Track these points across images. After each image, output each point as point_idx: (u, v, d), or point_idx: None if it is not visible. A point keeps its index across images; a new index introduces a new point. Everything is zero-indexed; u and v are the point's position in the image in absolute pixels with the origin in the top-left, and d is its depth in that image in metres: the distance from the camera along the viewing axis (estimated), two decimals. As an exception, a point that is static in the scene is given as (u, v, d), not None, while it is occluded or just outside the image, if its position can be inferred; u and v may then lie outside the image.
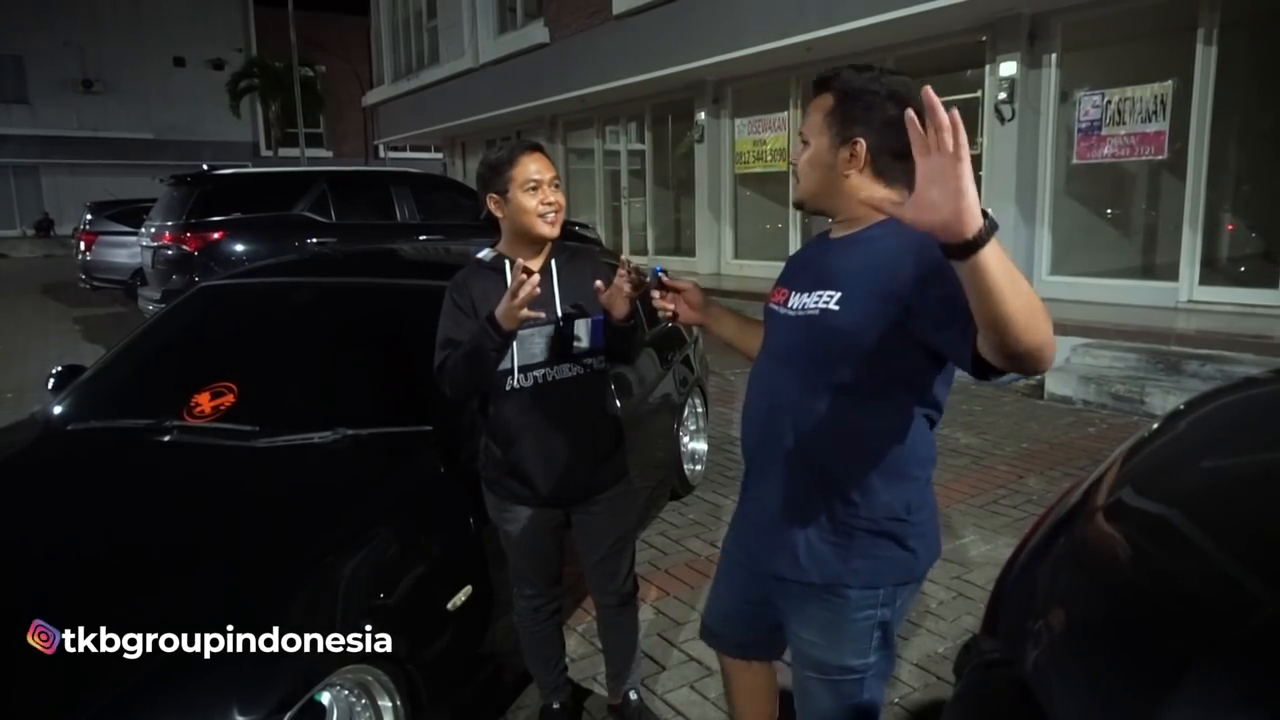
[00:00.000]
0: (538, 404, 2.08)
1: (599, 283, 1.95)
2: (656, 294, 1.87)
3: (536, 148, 2.09)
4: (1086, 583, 0.93)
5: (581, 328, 2.10)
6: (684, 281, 1.88)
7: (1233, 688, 0.69)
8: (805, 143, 1.56)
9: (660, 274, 1.89)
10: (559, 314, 2.08)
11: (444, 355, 2.06)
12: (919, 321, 1.37)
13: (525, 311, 1.86)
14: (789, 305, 1.58)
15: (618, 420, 2.29)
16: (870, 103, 1.47)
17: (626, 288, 1.92)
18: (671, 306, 1.85)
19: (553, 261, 2.13)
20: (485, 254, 2.16)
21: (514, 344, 2.02)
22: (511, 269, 2.05)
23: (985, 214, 1.09)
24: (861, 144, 1.48)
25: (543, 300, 2.06)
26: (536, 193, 2.02)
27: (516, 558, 2.23)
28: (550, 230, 2.06)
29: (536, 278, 1.86)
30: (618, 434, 2.27)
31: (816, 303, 1.50)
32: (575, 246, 2.26)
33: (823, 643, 1.58)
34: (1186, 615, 0.79)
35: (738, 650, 1.90)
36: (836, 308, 1.47)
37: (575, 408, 2.12)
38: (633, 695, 2.44)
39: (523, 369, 2.07)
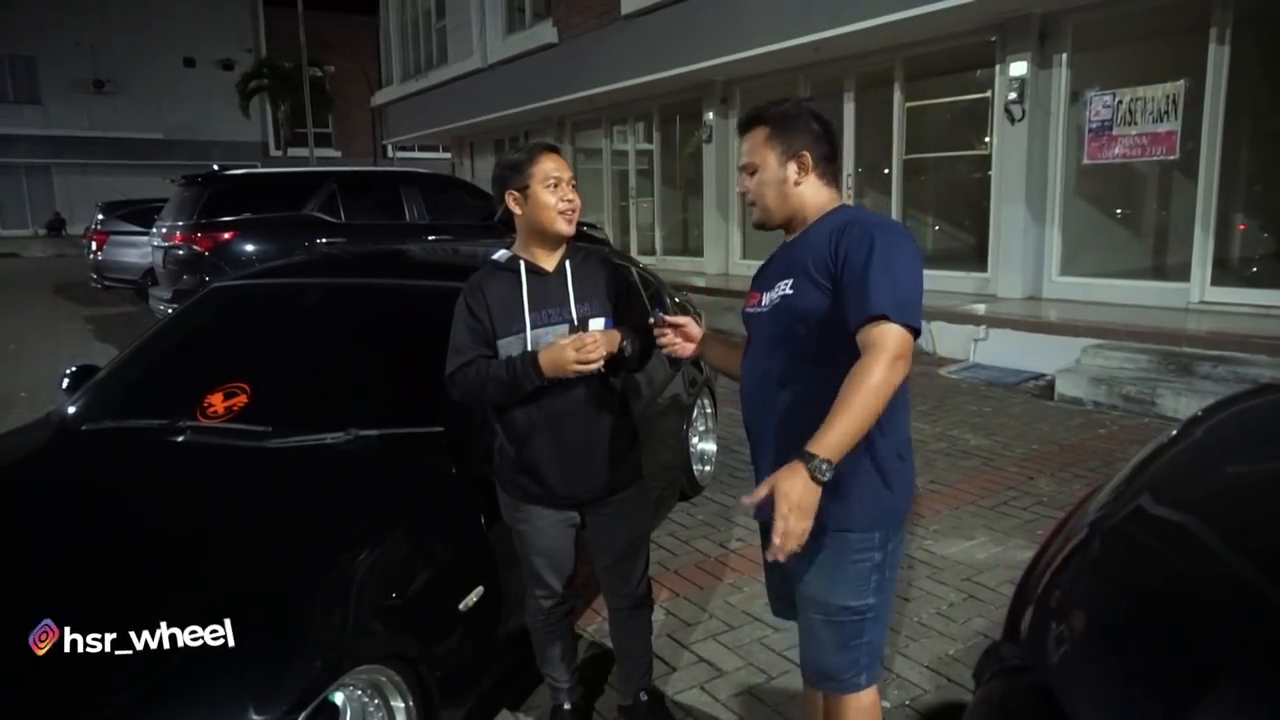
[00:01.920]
0: (551, 403, 2.09)
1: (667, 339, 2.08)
2: (660, 332, 2.05)
3: (554, 148, 2.15)
4: (1110, 589, 0.93)
5: (595, 329, 2.11)
6: (683, 317, 2.09)
7: (1264, 696, 0.68)
8: (751, 171, 1.80)
9: (660, 315, 2.07)
10: (573, 314, 2.10)
11: (458, 363, 2.09)
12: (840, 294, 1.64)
13: (576, 367, 1.98)
14: (761, 304, 1.82)
15: (632, 422, 2.30)
16: (801, 122, 1.77)
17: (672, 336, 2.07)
18: (678, 341, 2.05)
19: (567, 262, 2.15)
20: (500, 255, 2.18)
21: (528, 343, 2.06)
22: (526, 269, 2.10)
23: (812, 457, 1.49)
24: (807, 154, 1.75)
25: (556, 300, 2.10)
26: (556, 190, 2.07)
27: (530, 558, 2.24)
28: (567, 228, 2.10)
29: (600, 340, 2.00)
30: (632, 435, 2.27)
31: (778, 293, 1.75)
32: (588, 247, 2.28)
33: (825, 583, 1.75)
34: (1213, 622, 0.79)
35: None
36: (791, 291, 1.72)
37: (588, 407, 2.13)
38: (644, 696, 2.44)
39: None
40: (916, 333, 1.57)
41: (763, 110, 1.80)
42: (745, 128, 1.83)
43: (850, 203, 1.86)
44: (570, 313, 2.10)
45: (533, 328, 2.07)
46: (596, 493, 2.18)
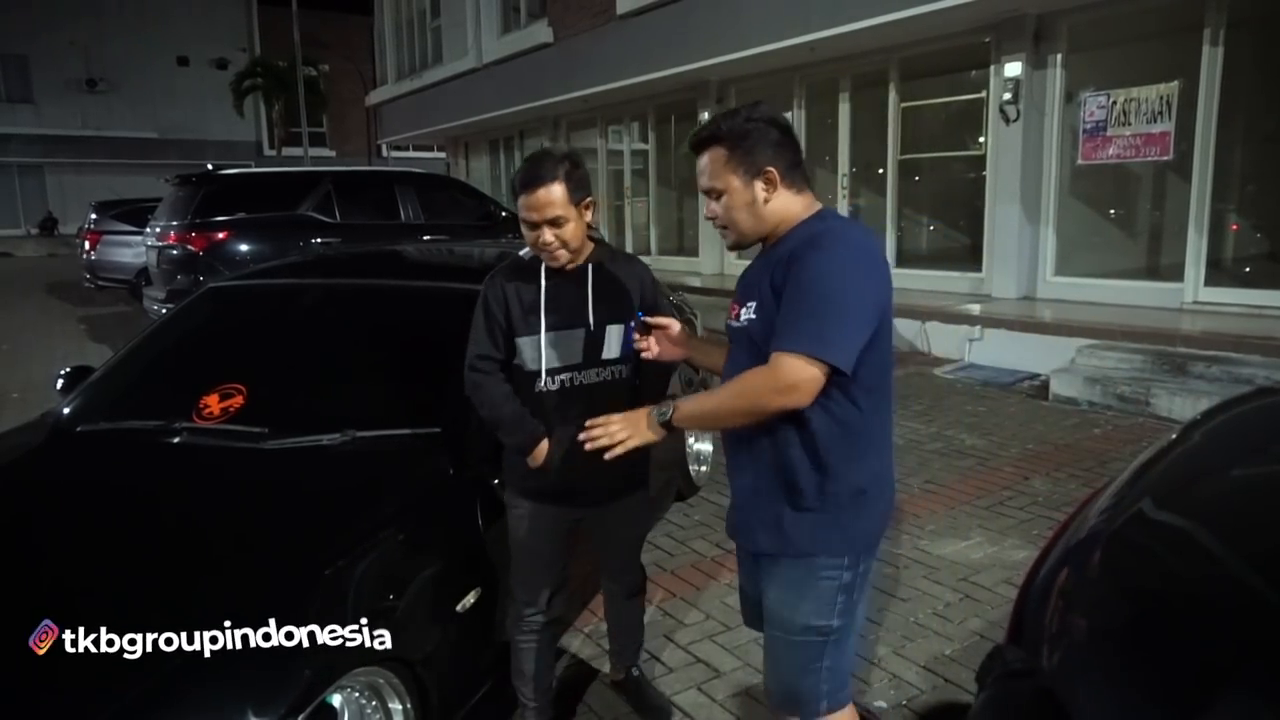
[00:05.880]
0: (562, 406, 2.09)
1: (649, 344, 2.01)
2: (637, 336, 1.97)
3: (537, 183, 1.98)
4: (1114, 594, 0.93)
5: (612, 334, 2.11)
6: (665, 319, 2.00)
7: (1272, 701, 0.69)
8: (715, 195, 1.68)
9: (641, 317, 2.00)
10: (590, 319, 2.09)
11: (474, 353, 2.12)
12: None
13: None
14: (738, 319, 1.75)
15: None
16: (760, 135, 1.65)
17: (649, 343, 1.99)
18: (655, 347, 1.96)
19: (589, 267, 2.13)
20: (526, 251, 2.16)
21: (542, 345, 2.06)
22: (546, 270, 2.09)
23: (662, 411, 1.64)
24: (774, 170, 1.64)
25: (574, 305, 2.08)
26: (533, 231, 2.03)
27: (519, 556, 2.22)
28: (554, 263, 2.08)
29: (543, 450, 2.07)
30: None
31: (744, 314, 1.70)
32: (619, 252, 2.27)
33: (789, 600, 1.72)
34: (1219, 628, 0.79)
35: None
36: (754, 316, 1.68)
37: (599, 412, 2.08)
38: (634, 671, 2.49)
39: (550, 372, 2.09)
40: (835, 368, 1.53)
41: (716, 128, 1.67)
42: (699, 147, 1.69)
43: (829, 206, 1.76)
44: (587, 318, 2.09)
45: (548, 330, 2.06)
46: (598, 497, 2.19)
